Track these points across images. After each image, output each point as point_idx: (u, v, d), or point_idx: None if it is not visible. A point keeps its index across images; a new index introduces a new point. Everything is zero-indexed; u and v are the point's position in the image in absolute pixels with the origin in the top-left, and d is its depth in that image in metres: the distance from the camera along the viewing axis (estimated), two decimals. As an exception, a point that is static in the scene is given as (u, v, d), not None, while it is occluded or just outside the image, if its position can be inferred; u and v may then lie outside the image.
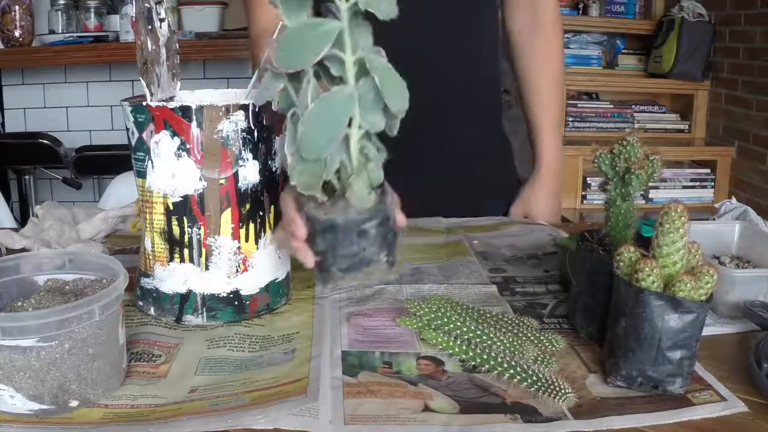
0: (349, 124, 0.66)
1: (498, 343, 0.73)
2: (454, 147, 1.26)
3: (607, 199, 0.77)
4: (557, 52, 1.35)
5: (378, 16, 0.63)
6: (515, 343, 0.73)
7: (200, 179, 0.77)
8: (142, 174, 0.79)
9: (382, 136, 0.69)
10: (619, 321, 0.67)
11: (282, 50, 0.64)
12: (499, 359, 0.69)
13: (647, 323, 0.65)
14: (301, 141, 0.64)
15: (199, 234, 0.78)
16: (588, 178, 3.27)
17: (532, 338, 0.74)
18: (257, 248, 0.81)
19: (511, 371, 0.68)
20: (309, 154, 0.64)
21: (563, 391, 0.64)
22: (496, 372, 0.69)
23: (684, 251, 0.67)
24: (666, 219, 0.66)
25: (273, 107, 0.71)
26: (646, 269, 0.65)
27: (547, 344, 0.74)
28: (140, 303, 0.83)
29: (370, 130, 0.67)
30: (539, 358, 0.71)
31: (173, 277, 0.79)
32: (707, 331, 0.78)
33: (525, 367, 0.67)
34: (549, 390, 0.64)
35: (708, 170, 3.31)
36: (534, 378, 0.66)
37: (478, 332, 0.74)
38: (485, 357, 0.70)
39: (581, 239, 0.81)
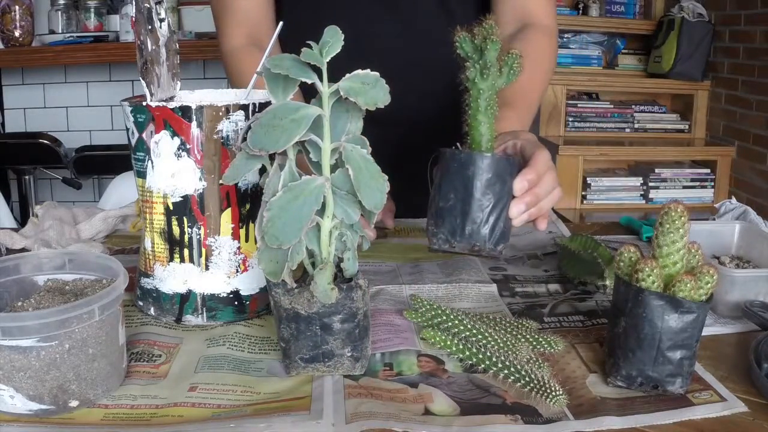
0: (323, 213, 0.65)
1: (492, 342, 0.73)
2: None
3: (467, 79, 0.74)
4: (543, 47, 1.10)
5: (360, 105, 0.62)
6: (509, 342, 0.73)
7: (200, 179, 0.77)
8: (142, 174, 0.79)
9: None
10: (619, 321, 0.67)
11: (256, 131, 0.62)
12: (494, 358, 0.69)
13: (647, 323, 0.65)
14: (266, 229, 0.62)
15: (199, 234, 0.78)
16: (588, 178, 3.27)
17: (530, 339, 0.74)
18: (257, 248, 0.81)
19: (506, 371, 0.68)
20: (272, 243, 0.62)
21: (554, 393, 0.64)
22: (492, 371, 0.69)
23: (684, 251, 0.67)
24: (666, 219, 0.66)
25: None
26: (646, 269, 0.65)
27: (546, 346, 0.74)
28: (140, 303, 0.83)
29: (345, 221, 0.66)
30: (531, 360, 0.71)
31: (173, 277, 0.79)
32: (707, 331, 0.78)
33: (518, 367, 0.67)
34: (541, 391, 0.64)
35: (708, 170, 3.31)
36: (527, 378, 0.66)
37: (474, 330, 0.74)
38: (481, 356, 0.70)
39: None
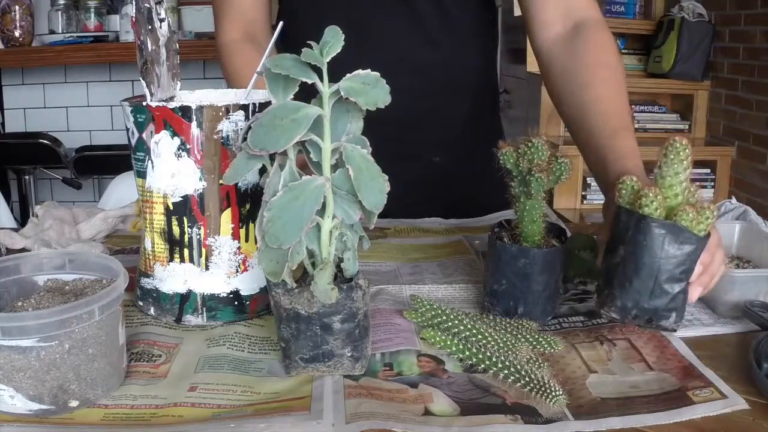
0: (323, 213, 0.65)
1: (492, 342, 0.73)
2: (452, 148, 1.26)
3: (513, 194, 0.79)
4: (611, 47, 1.01)
5: (360, 105, 0.62)
6: (509, 342, 0.73)
7: (200, 179, 0.77)
8: (142, 174, 0.79)
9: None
10: (618, 250, 0.66)
11: (257, 131, 0.62)
12: (494, 359, 0.69)
13: (647, 252, 0.64)
14: (266, 229, 0.62)
15: (199, 234, 0.78)
16: (588, 178, 3.27)
17: (530, 339, 0.74)
18: (257, 248, 0.81)
19: (506, 371, 0.68)
20: (272, 243, 0.62)
21: (554, 393, 0.64)
22: (491, 371, 0.69)
23: (686, 184, 0.66)
24: (671, 150, 0.65)
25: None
26: (650, 195, 0.64)
27: (545, 346, 0.74)
28: (140, 303, 0.83)
29: (345, 221, 0.66)
30: (531, 360, 0.71)
31: (173, 277, 0.79)
32: (707, 331, 0.78)
33: (518, 367, 0.67)
34: (541, 391, 0.64)
35: (708, 170, 3.31)
36: (527, 378, 0.66)
37: (474, 330, 0.74)
38: (481, 356, 0.70)
39: (498, 225, 0.83)
